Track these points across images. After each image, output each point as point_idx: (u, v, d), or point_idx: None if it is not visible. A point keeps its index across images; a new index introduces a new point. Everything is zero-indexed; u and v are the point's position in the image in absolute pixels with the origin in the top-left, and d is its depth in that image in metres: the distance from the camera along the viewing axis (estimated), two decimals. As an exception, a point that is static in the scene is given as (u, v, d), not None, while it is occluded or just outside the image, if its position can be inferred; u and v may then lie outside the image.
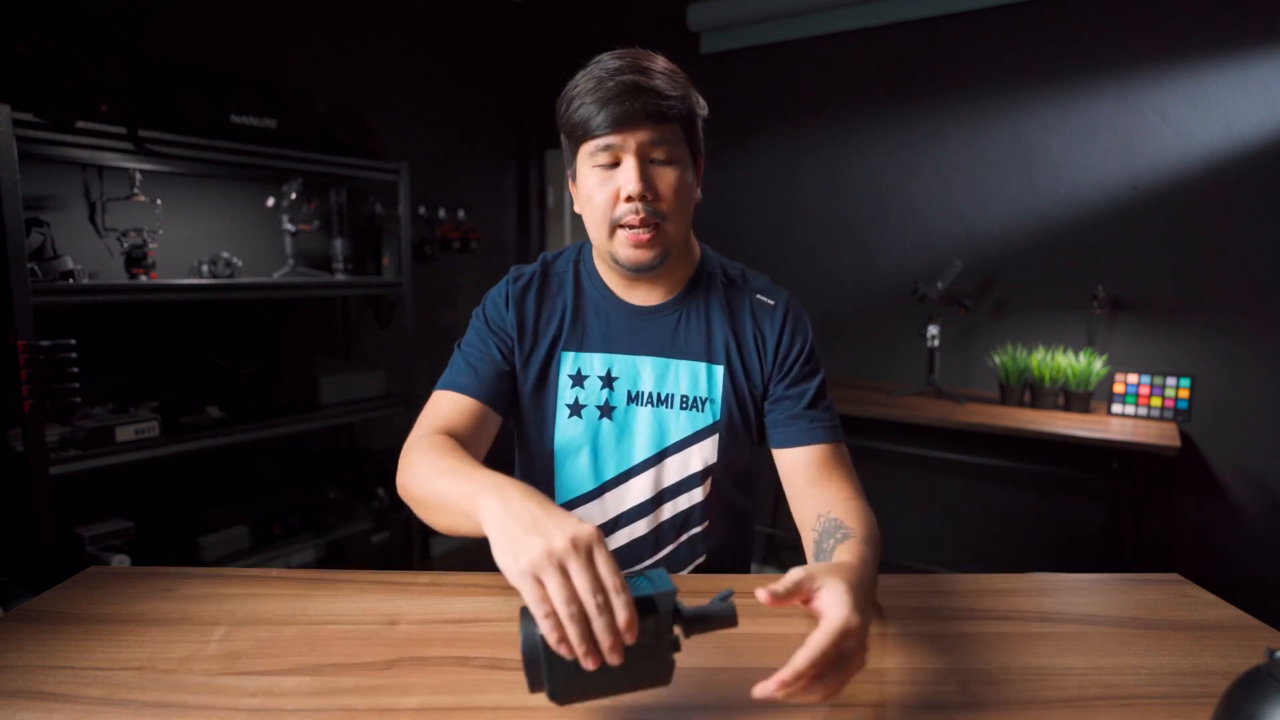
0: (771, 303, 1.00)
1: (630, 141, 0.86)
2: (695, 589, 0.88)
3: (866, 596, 0.66)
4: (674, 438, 0.97)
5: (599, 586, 0.55)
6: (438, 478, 0.77)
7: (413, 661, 0.71)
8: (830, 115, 2.91)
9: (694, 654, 0.71)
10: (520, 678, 0.67)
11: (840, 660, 0.57)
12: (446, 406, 0.93)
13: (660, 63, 0.90)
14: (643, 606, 0.57)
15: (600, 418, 0.97)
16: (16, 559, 1.84)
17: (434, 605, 0.83)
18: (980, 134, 2.61)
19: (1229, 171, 2.22)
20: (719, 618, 0.60)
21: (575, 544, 0.56)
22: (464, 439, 0.89)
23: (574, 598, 0.54)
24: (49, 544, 1.74)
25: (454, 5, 3.27)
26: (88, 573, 0.91)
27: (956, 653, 0.73)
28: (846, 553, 0.74)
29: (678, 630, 0.59)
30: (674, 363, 0.97)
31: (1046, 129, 2.49)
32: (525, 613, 0.58)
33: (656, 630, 0.57)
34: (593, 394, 0.97)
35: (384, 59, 2.98)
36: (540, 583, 0.55)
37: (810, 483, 0.92)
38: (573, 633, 0.54)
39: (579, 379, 0.97)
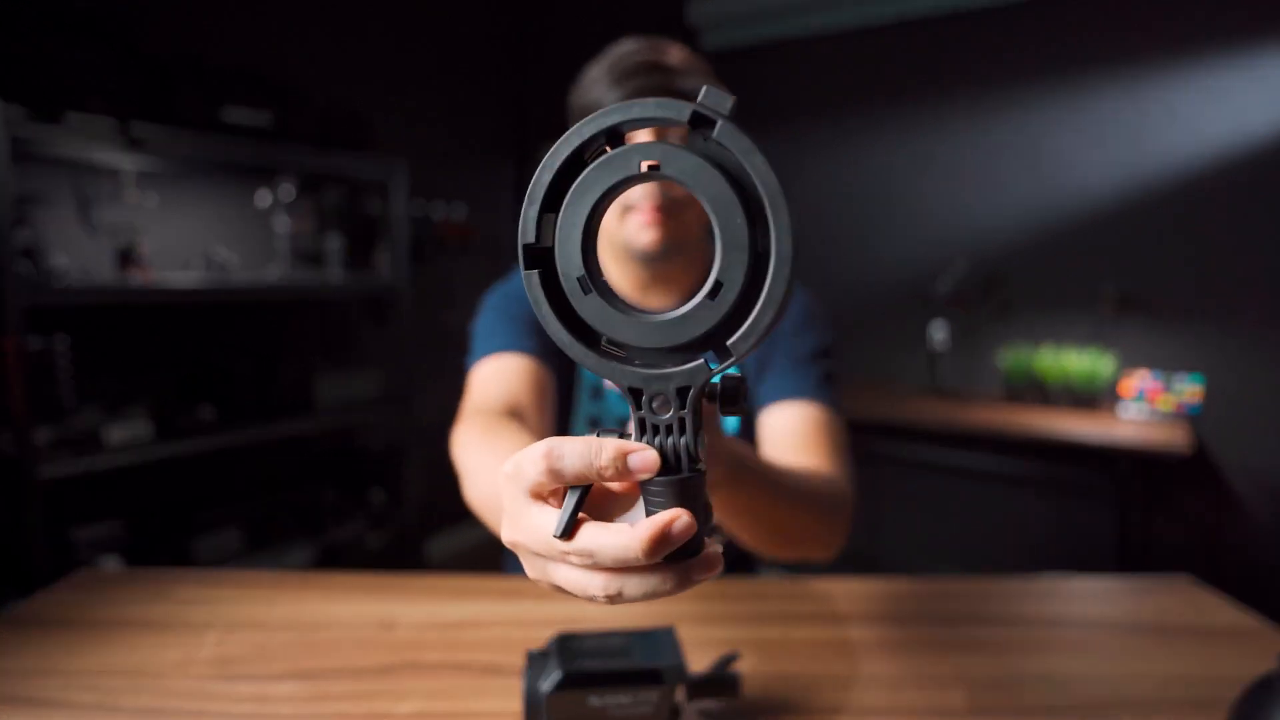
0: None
1: None
2: (702, 592, 0.87)
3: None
4: None
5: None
6: (480, 478, 0.64)
7: (409, 666, 0.70)
8: (832, 114, 2.90)
9: (696, 659, 0.70)
10: (517, 683, 0.66)
11: None
12: (490, 375, 0.83)
13: (680, 48, 0.86)
14: (648, 678, 0.56)
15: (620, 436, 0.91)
16: (6, 562, 1.82)
17: (431, 609, 0.82)
18: (987, 131, 2.60)
19: (1239, 168, 2.21)
20: (723, 686, 0.60)
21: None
22: (522, 404, 0.79)
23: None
24: (40, 547, 1.73)
25: (453, 3, 3.27)
26: (79, 576, 0.90)
27: (962, 658, 0.72)
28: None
29: (680, 696, 0.58)
30: None
31: (1055, 126, 2.48)
32: (531, 659, 0.58)
33: (660, 701, 0.57)
34: (612, 407, 0.94)
35: (382, 56, 2.97)
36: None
37: (796, 446, 0.82)
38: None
39: (597, 393, 0.94)
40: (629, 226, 0.85)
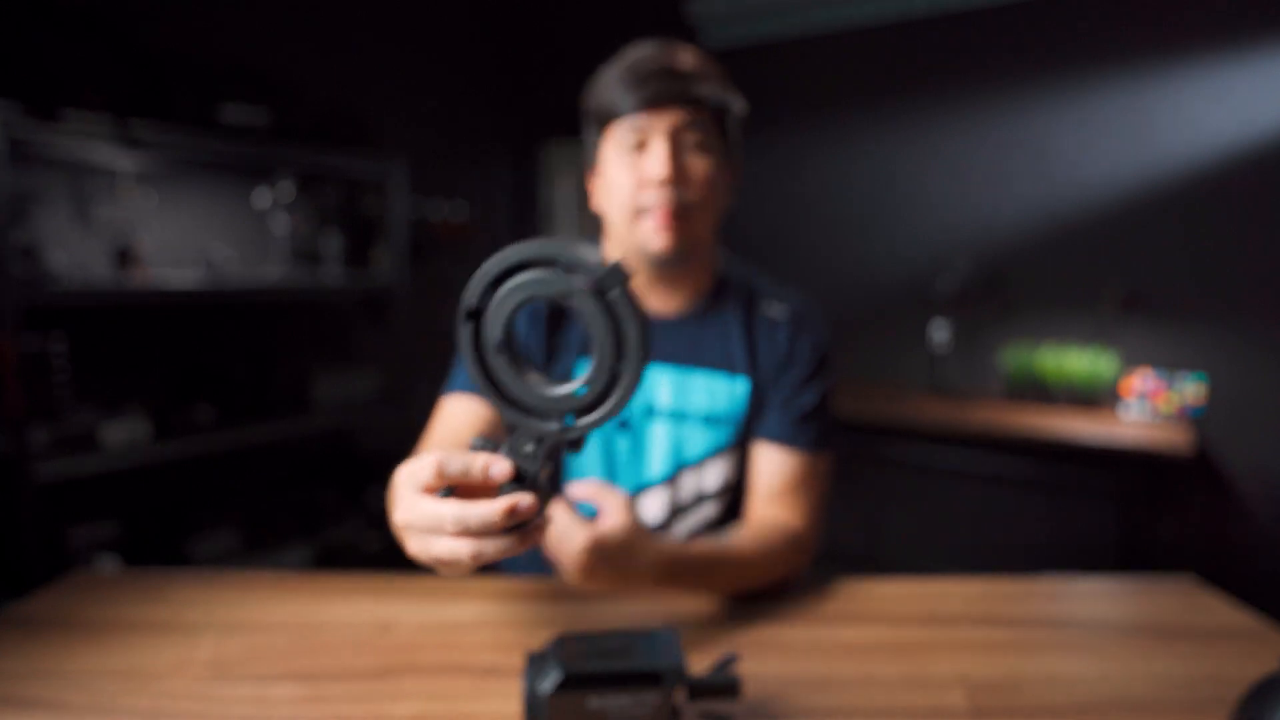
0: (784, 309, 0.96)
1: (660, 123, 0.83)
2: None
3: (619, 548, 0.71)
4: (691, 455, 0.93)
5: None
6: None
7: (407, 668, 0.69)
8: (833, 112, 2.90)
9: (696, 660, 0.69)
10: (516, 685, 0.66)
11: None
12: (458, 413, 0.87)
13: (695, 52, 0.88)
14: (648, 679, 0.56)
15: (615, 431, 0.93)
16: (2, 562, 1.81)
17: (429, 610, 0.81)
18: (989, 130, 2.59)
19: (1244, 166, 2.21)
20: (724, 687, 0.60)
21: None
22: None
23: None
24: (36, 547, 1.72)
25: (451, 0, 3.26)
26: (75, 576, 0.90)
27: (962, 659, 0.72)
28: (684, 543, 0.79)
29: (680, 698, 0.58)
30: (693, 377, 0.93)
31: (1058, 124, 2.48)
32: (530, 660, 0.58)
33: (660, 702, 0.57)
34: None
35: (381, 54, 2.96)
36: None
37: (771, 497, 0.90)
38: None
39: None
40: (642, 230, 0.86)
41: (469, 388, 0.88)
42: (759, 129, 3.05)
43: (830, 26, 2.82)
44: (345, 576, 0.90)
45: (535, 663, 0.58)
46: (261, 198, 2.44)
